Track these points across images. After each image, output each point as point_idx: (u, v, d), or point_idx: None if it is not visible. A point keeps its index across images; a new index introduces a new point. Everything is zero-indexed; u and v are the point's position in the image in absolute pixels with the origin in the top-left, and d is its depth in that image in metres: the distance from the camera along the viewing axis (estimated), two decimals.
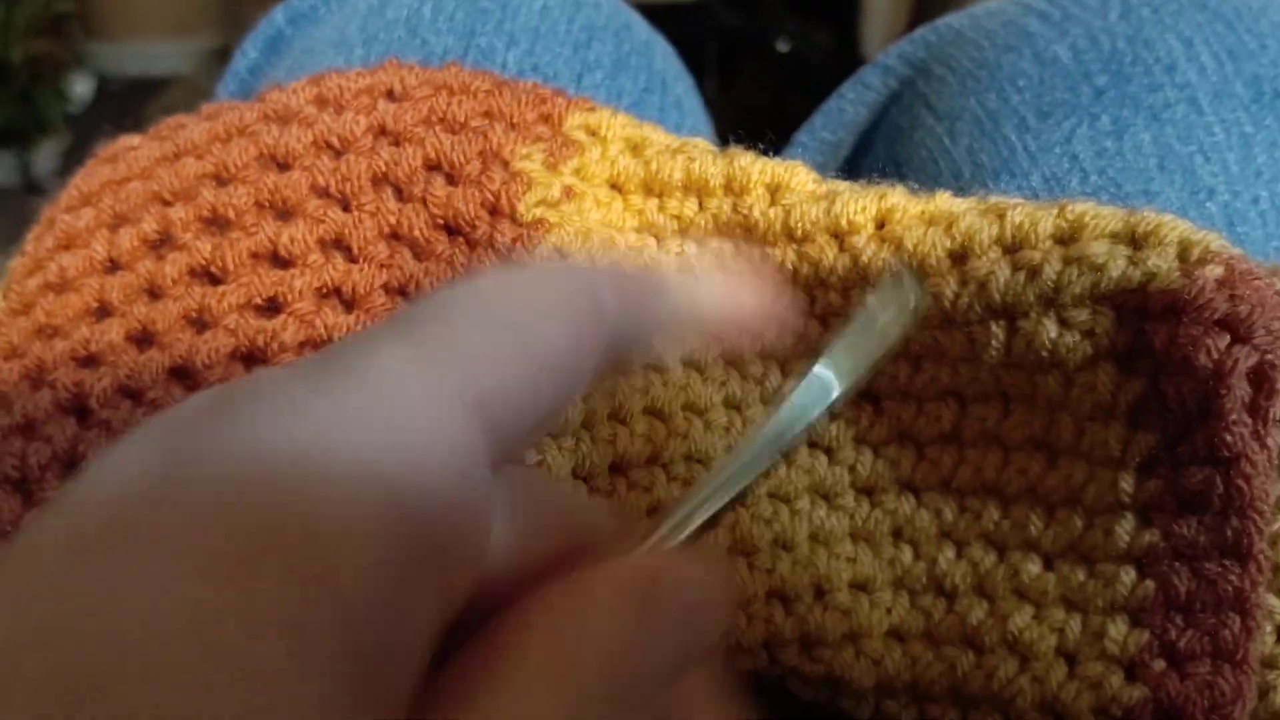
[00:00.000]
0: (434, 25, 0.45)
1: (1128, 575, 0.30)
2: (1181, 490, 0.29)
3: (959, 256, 0.32)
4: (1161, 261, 0.29)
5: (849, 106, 0.55)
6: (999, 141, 0.45)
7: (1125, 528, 0.29)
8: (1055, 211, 0.31)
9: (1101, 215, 0.30)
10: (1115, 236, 0.30)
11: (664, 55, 0.52)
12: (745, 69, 1.95)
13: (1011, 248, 0.31)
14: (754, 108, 1.86)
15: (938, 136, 0.48)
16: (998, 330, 0.31)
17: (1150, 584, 0.29)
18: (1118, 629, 0.29)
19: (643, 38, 0.51)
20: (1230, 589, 0.28)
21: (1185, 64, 0.44)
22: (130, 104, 2.15)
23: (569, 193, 0.34)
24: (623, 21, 0.50)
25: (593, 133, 0.35)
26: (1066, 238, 0.30)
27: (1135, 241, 0.30)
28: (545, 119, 0.35)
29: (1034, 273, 0.30)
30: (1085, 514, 0.31)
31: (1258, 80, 0.43)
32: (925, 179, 0.48)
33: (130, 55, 2.40)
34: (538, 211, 0.33)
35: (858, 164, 0.54)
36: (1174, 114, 0.43)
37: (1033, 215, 0.31)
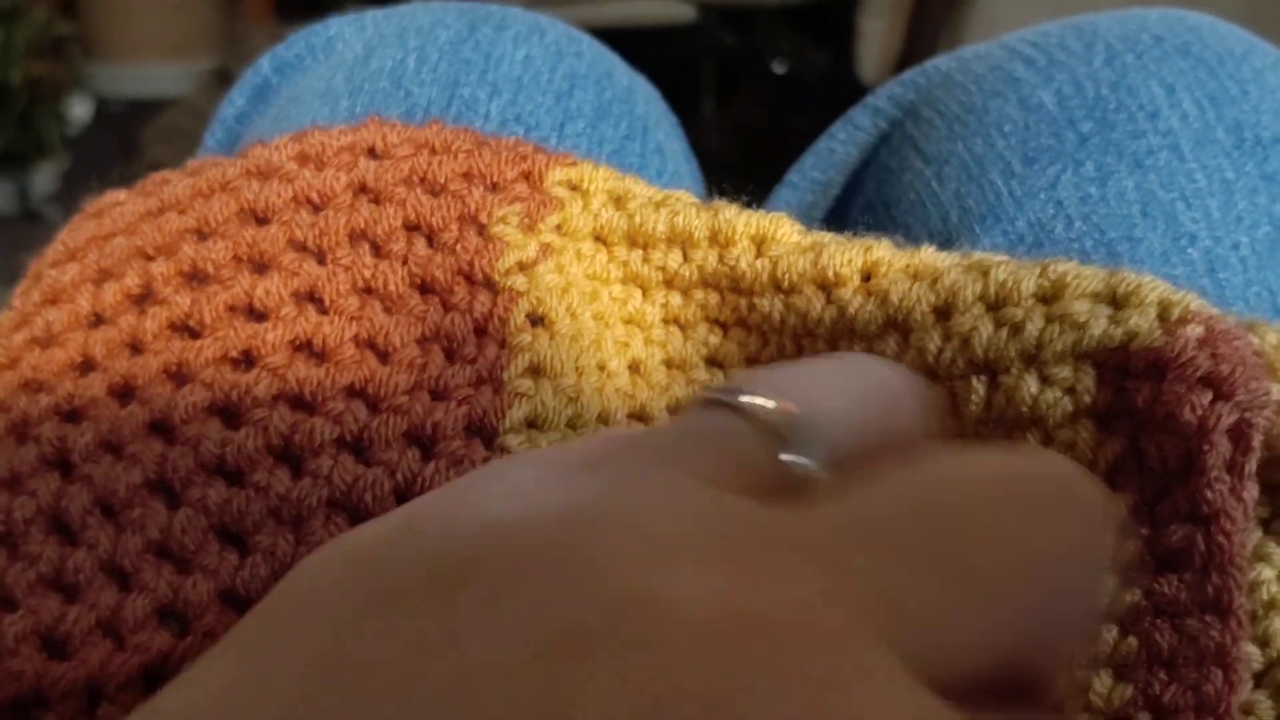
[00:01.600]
0: (418, 76, 0.45)
1: (1109, 633, 0.30)
2: (1162, 548, 0.29)
3: (943, 312, 0.32)
4: (1143, 321, 0.30)
5: (839, 147, 0.56)
6: (985, 186, 0.46)
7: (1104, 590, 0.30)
8: (1038, 270, 0.31)
9: (1083, 275, 0.31)
10: (1097, 296, 0.31)
11: (645, 99, 0.53)
12: (742, 89, 1.96)
13: (995, 305, 0.32)
14: (750, 127, 1.87)
15: (925, 180, 0.48)
16: (979, 385, 0.32)
17: (1133, 641, 0.30)
18: (1102, 683, 0.30)
19: (624, 84, 0.51)
20: (1212, 644, 0.29)
21: (1168, 110, 0.44)
22: (129, 126, 2.15)
23: (546, 250, 0.34)
24: (604, 69, 0.50)
25: (574, 187, 0.36)
26: (1049, 296, 0.31)
27: (1116, 301, 0.30)
28: (525, 176, 0.35)
29: (1016, 329, 0.31)
30: None
31: (1239, 127, 0.44)
32: (914, 221, 0.48)
33: (129, 77, 2.41)
34: (510, 281, 0.34)
35: (848, 204, 0.55)
36: (1157, 161, 0.43)
37: (1015, 273, 0.32)
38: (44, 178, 2.08)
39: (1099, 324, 0.30)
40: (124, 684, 0.28)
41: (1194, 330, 0.29)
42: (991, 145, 0.46)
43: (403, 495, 0.31)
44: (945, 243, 0.46)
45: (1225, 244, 0.41)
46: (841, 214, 0.55)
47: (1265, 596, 0.32)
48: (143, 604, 0.29)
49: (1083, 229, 0.43)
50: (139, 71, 2.41)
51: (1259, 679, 0.31)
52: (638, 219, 0.35)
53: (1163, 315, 0.30)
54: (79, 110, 2.29)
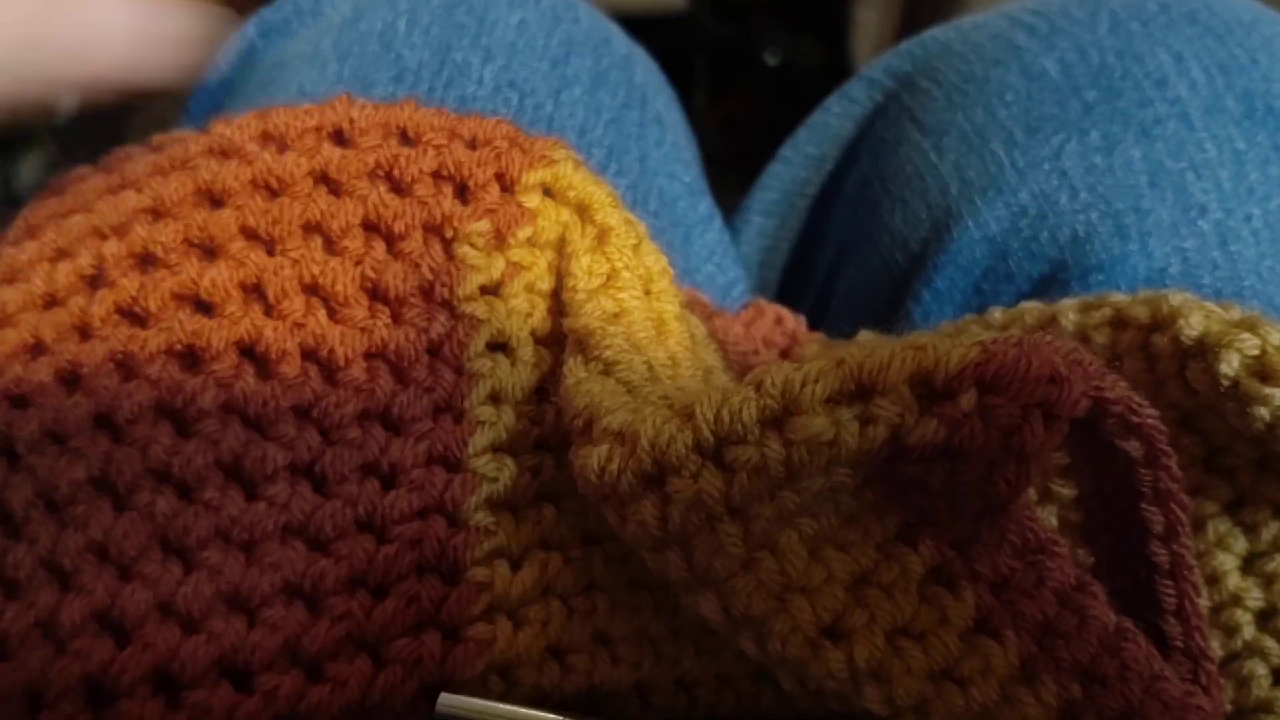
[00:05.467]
0: (408, 40, 0.44)
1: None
2: None
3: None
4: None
5: (834, 120, 0.54)
6: (986, 157, 0.44)
7: None
8: (754, 393, 0.26)
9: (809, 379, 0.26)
10: (835, 399, 0.26)
11: (644, 68, 0.51)
12: (735, 81, 1.94)
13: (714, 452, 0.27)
14: (743, 120, 1.86)
15: (924, 152, 0.47)
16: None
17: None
18: None
19: (623, 52, 0.50)
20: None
21: (1176, 79, 0.43)
22: (116, 116, 2.13)
23: (515, 270, 0.33)
24: (602, 36, 0.49)
25: (549, 190, 0.34)
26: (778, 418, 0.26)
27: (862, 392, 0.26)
28: (499, 178, 0.34)
29: (757, 469, 0.26)
30: None
31: (1249, 95, 0.42)
32: (911, 195, 0.47)
33: None
34: (471, 308, 0.32)
35: (842, 179, 0.53)
36: (1165, 130, 0.42)
37: (731, 403, 0.26)
38: (30, 167, 2.06)
39: (850, 433, 0.26)
40: (64, 693, 0.27)
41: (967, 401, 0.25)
42: (993, 115, 0.45)
43: (365, 525, 0.30)
44: (944, 215, 0.45)
45: (1237, 216, 0.40)
46: (836, 189, 0.54)
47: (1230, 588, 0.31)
48: (80, 607, 0.27)
49: (1088, 200, 0.41)
50: None
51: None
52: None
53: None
54: (65, 101, 2.27)
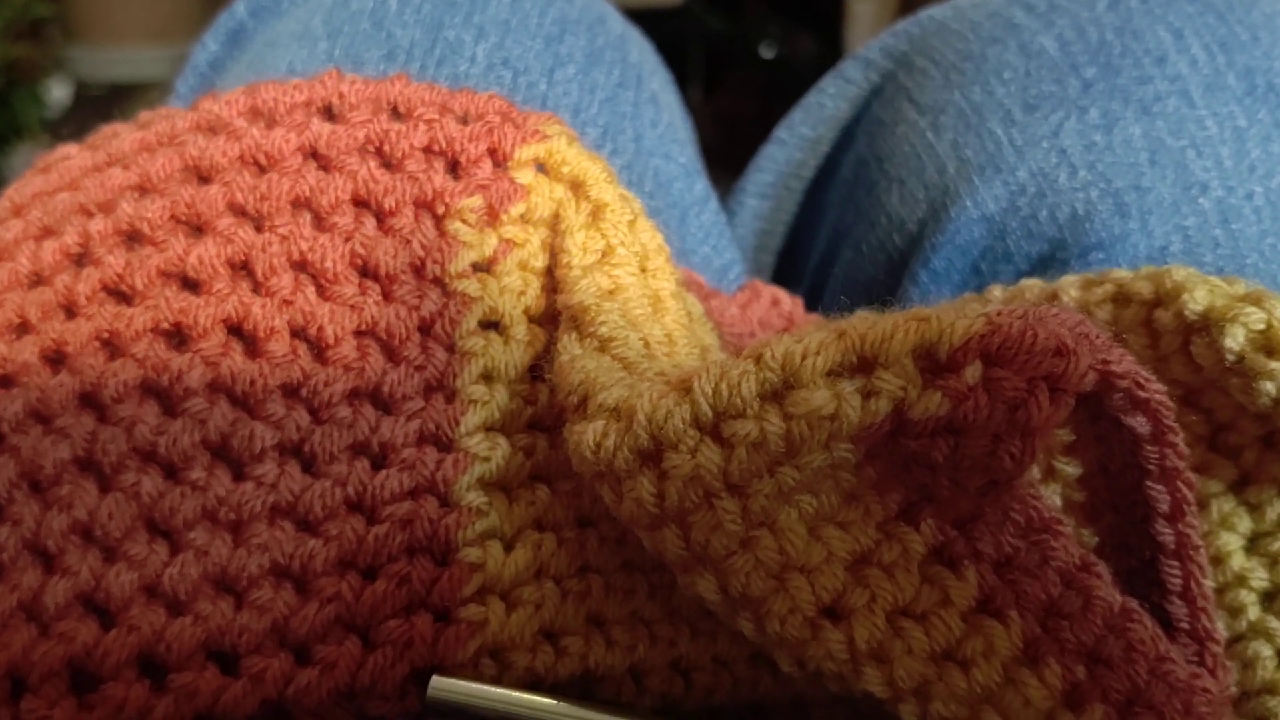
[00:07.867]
0: (400, 18, 0.43)
1: None
2: None
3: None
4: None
5: (829, 101, 0.54)
6: (984, 135, 0.44)
7: None
8: (753, 366, 0.26)
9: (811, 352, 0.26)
10: (836, 372, 0.25)
11: (640, 49, 0.51)
12: (730, 75, 1.94)
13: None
14: (738, 114, 1.85)
15: (920, 131, 0.46)
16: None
17: None
18: None
19: (617, 31, 0.49)
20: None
21: (1176, 56, 0.42)
22: (108, 109, 2.12)
23: (508, 247, 0.32)
24: (596, 15, 0.48)
25: (543, 166, 0.34)
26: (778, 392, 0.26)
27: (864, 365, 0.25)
28: (491, 153, 0.33)
29: (756, 444, 0.25)
30: None
31: (1250, 73, 0.42)
32: (908, 175, 0.46)
33: (109, 60, 2.38)
34: (463, 285, 0.32)
35: (838, 160, 0.53)
36: (1165, 107, 0.41)
37: (730, 377, 0.26)
38: (22, 160, 2.06)
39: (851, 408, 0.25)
40: (47, 676, 0.26)
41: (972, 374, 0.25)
42: (990, 93, 0.45)
43: (355, 506, 0.29)
44: (942, 195, 0.44)
45: (1238, 194, 0.40)
46: (832, 171, 0.54)
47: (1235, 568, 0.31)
48: (64, 589, 0.27)
49: (1088, 178, 0.41)
50: (119, 55, 2.38)
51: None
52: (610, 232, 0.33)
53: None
54: (58, 93, 2.26)
